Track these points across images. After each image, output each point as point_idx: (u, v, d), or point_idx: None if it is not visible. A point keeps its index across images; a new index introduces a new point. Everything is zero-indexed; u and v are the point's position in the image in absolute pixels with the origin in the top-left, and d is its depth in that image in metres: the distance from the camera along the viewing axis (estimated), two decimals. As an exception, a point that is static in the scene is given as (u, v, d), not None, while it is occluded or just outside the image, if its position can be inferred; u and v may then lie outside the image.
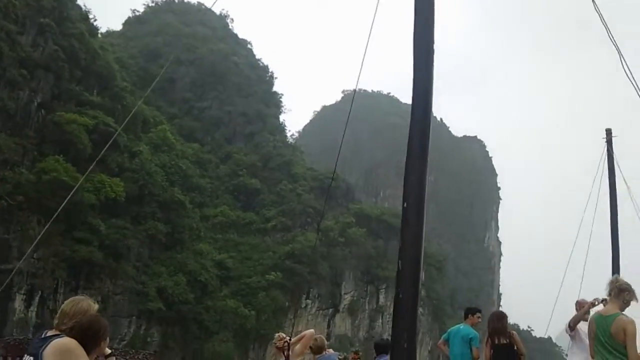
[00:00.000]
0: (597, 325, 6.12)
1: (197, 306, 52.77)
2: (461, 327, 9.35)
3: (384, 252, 74.77)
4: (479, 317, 9.47)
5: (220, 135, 74.48)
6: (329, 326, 64.26)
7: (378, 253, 73.28)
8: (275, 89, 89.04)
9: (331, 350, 8.81)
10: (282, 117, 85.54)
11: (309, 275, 61.77)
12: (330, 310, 66.54)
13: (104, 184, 47.77)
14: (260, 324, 55.85)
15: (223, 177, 69.03)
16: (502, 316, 9.09)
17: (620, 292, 6.06)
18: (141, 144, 56.46)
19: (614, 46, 6.80)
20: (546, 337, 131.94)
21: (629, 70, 6.55)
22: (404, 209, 5.61)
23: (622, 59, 6.69)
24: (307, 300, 63.03)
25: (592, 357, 6.25)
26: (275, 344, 8.01)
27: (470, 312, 9.56)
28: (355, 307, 70.12)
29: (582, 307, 8.75)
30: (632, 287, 6.14)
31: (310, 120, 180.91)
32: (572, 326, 8.70)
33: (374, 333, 71.18)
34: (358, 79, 8.04)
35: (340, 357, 9.73)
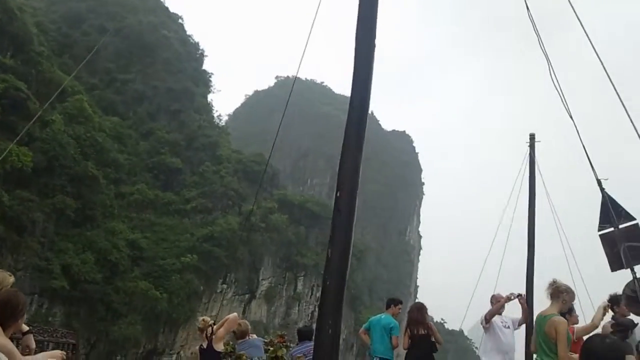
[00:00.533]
0: (537, 324, 6.43)
1: (105, 286, 50.59)
2: (382, 317, 9.65)
3: (305, 240, 74.75)
4: (399, 308, 9.83)
5: (143, 111, 71.47)
6: (244, 312, 63.37)
7: (299, 240, 73.10)
8: (205, 67, 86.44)
9: (254, 336, 8.93)
10: (210, 97, 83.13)
11: (226, 260, 60.65)
12: (247, 295, 65.80)
13: (10, 153, 44.66)
14: (172, 307, 54.36)
15: (143, 154, 66.34)
16: (422, 308, 9.60)
17: (559, 294, 6.25)
18: (54, 113, 53.21)
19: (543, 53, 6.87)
20: (459, 330, 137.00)
21: (555, 76, 6.60)
22: (336, 197, 5.68)
23: (549, 65, 6.72)
24: (223, 285, 61.95)
25: (534, 351, 6.79)
26: (199, 326, 8.20)
27: (392, 302, 9.90)
28: (272, 293, 69.68)
29: (498, 302, 9.55)
30: (571, 288, 6.36)
31: (242, 104, 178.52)
32: (487, 319, 9.26)
33: (290, 320, 71.21)
34: (299, 66, 8.30)
35: (265, 340, 9.42)
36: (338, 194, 5.70)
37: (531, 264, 15.29)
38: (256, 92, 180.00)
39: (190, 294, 56.89)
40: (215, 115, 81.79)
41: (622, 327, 7.27)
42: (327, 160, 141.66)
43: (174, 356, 57.22)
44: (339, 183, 5.76)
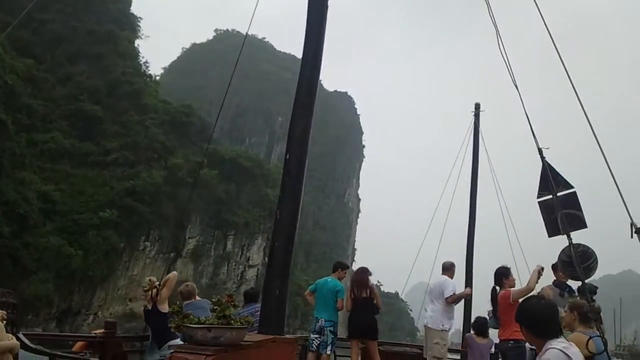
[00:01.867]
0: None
1: (13, 241, 46.86)
2: (329, 279, 9.98)
3: (236, 197, 72.25)
4: (345, 272, 10.24)
5: (61, 54, 66.12)
6: (168, 271, 60.69)
7: (230, 197, 70.48)
8: (134, 11, 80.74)
9: (199, 298, 8.99)
10: (138, 43, 77.88)
11: (150, 216, 57.69)
12: (172, 254, 63.11)
13: None
14: (88, 265, 51.25)
15: (59, 100, 61.51)
16: (365, 271, 10.03)
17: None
18: (-44, 51, 48.17)
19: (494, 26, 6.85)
20: (394, 292, 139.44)
21: (502, 43, 6.64)
22: (286, 159, 5.85)
23: (497, 31, 6.71)
24: (146, 243, 58.99)
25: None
26: (144, 287, 8.39)
27: (340, 266, 10.28)
28: (199, 252, 67.00)
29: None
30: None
31: (178, 58, 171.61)
32: (450, 302, 9.88)
33: (218, 280, 69.13)
34: (250, 22, 8.77)
35: (213, 300, 8.17)
36: (288, 157, 5.86)
37: (472, 227, 16.22)
38: (194, 44, 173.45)
39: (109, 251, 53.80)
40: (143, 62, 76.43)
41: (559, 288, 8.27)
42: (266, 119, 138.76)
43: (91, 317, 54.39)
44: (288, 146, 5.93)
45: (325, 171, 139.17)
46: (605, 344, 5.17)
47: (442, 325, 9.70)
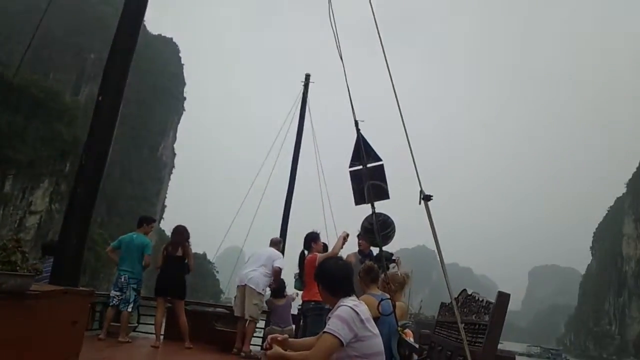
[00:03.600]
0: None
1: None
2: (134, 235, 9.83)
3: (21, 132, 64.51)
4: (152, 227, 10.23)
5: None
6: None
7: (13, 131, 62.32)
8: None
9: None
10: None
11: None
12: None
13: None
14: None
15: None
16: (183, 230, 10.02)
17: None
18: None
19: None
20: (202, 253, 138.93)
21: (333, 14, 6.46)
22: (98, 101, 5.65)
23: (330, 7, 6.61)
24: None
25: None
26: None
27: (145, 221, 10.21)
28: (-34, 191, 58.69)
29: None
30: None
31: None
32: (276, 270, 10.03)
33: (-9, 225, 61.84)
34: None
35: None
36: (100, 99, 5.63)
37: (290, 193, 16.70)
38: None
39: None
40: None
41: (362, 255, 8.48)
42: (76, 54, 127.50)
43: None
44: (102, 87, 5.68)
45: (140, 120, 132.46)
46: (393, 306, 5.50)
47: (262, 289, 9.90)
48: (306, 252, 9.19)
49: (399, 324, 5.53)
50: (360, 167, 5.96)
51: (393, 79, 5.42)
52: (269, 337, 3.96)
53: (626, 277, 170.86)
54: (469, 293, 5.95)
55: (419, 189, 4.77)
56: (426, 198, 4.77)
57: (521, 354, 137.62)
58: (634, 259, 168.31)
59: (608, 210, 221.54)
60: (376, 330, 3.80)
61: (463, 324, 4.50)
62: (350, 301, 3.72)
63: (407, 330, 5.77)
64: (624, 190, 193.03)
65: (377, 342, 3.76)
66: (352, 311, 3.62)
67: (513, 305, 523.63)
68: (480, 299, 5.10)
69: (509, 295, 4.36)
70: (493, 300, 4.48)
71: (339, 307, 3.70)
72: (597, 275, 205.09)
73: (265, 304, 10.23)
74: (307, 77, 17.54)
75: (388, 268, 6.99)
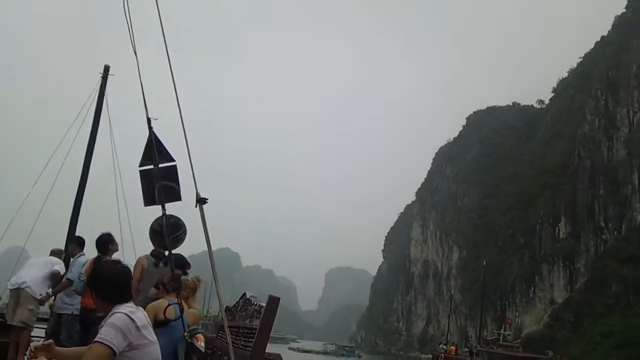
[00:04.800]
0: None
1: None
2: None
3: None
4: None
5: None
6: None
7: None
8: None
9: None
10: None
11: None
12: None
13: None
14: None
15: None
16: None
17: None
18: None
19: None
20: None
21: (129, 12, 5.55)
22: None
23: None
24: None
25: None
26: None
27: None
28: None
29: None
30: None
31: None
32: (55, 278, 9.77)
33: None
34: None
35: None
36: None
37: (82, 190, 15.86)
38: None
39: None
40: None
41: (156, 258, 7.97)
42: None
43: None
44: None
45: None
46: (182, 311, 5.64)
47: (40, 295, 9.54)
48: (103, 256, 8.75)
49: (189, 330, 5.58)
50: (152, 166, 5.72)
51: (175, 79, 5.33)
52: (32, 345, 3.65)
53: (413, 277, 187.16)
54: (247, 297, 6.23)
55: (195, 192, 4.87)
56: (201, 201, 4.90)
57: (318, 352, 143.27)
58: (420, 261, 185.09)
59: (399, 216, 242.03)
60: (154, 338, 3.66)
61: (238, 328, 4.95)
62: (126, 308, 3.55)
63: (199, 335, 5.72)
64: (414, 198, 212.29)
65: (154, 350, 3.65)
66: (127, 318, 3.47)
67: (311, 306, 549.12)
68: (255, 303, 5.36)
69: (278, 299, 4.59)
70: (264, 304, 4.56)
71: (113, 314, 3.51)
72: (388, 276, 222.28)
73: (41, 310, 10.01)
74: (106, 68, 16.61)
75: (184, 273, 7.09)
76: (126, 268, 3.88)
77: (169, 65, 5.40)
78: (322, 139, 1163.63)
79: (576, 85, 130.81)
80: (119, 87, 17.02)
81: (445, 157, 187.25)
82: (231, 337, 5.58)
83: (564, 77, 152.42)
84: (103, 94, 16.22)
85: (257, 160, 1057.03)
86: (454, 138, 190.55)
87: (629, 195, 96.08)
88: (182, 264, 7.62)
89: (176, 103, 5.37)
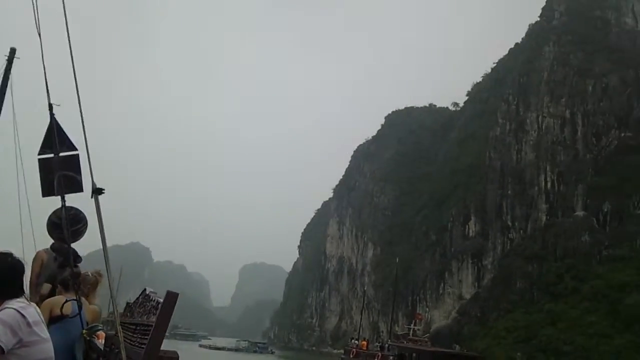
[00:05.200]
0: None
1: None
2: None
3: None
4: None
5: None
6: None
7: None
8: None
9: None
10: None
11: None
12: None
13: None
14: None
15: None
16: None
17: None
18: None
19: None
20: None
21: None
22: None
23: None
24: None
25: None
26: None
27: None
28: None
29: None
30: None
31: None
32: None
33: None
34: None
35: None
36: None
37: None
38: None
39: None
40: None
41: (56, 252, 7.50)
42: None
43: None
44: None
45: None
46: (80, 307, 5.49)
47: None
48: None
49: (88, 327, 5.52)
50: (52, 155, 5.44)
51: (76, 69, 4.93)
52: None
53: (328, 273, 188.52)
54: (147, 293, 5.94)
55: (91, 182, 4.76)
56: (97, 191, 4.78)
57: (230, 349, 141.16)
58: (335, 258, 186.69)
59: (315, 212, 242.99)
60: (46, 335, 3.52)
61: (136, 325, 4.98)
62: (17, 303, 3.40)
63: (100, 332, 5.65)
64: (331, 194, 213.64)
65: (47, 347, 3.51)
66: (17, 314, 3.32)
67: (224, 302, 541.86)
68: (153, 299, 5.17)
69: (176, 294, 4.43)
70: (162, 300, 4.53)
71: (2, 309, 3.35)
72: (303, 272, 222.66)
73: None
74: (12, 51, 15.75)
75: (77, 267, 6.69)
76: (18, 261, 3.65)
77: (69, 48, 4.93)
78: (247, 132, 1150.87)
79: (490, 90, 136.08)
80: (28, 72, 16.25)
81: (364, 155, 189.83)
82: (129, 334, 5.59)
83: (478, 81, 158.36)
84: (7, 78, 15.62)
85: (171, 157, 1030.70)
86: (373, 137, 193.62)
87: (535, 196, 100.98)
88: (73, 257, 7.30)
89: (75, 93, 4.87)
